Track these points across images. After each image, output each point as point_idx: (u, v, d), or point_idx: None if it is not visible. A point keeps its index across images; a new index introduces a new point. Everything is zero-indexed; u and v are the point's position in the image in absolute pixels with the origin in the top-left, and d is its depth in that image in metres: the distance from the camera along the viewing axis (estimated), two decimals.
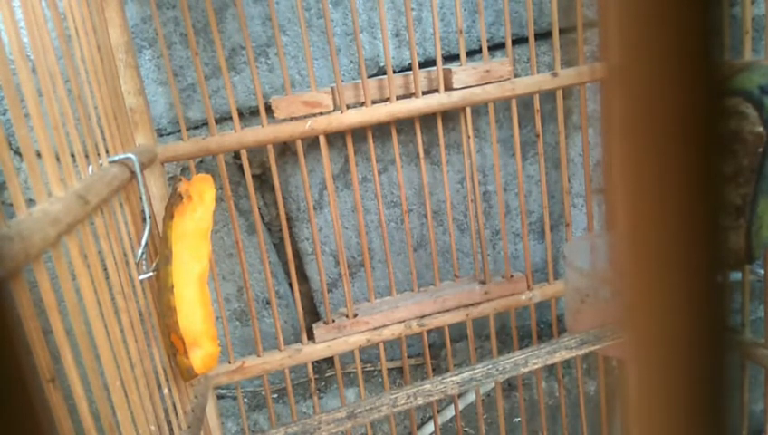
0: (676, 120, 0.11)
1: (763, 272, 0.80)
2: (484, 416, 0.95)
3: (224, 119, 0.83)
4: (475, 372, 0.67)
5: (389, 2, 0.83)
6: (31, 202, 0.38)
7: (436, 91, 0.79)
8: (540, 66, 0.88)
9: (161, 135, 0.82)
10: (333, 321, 0.84)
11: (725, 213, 0.11)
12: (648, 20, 0.11)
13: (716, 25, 0.11)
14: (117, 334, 0.49)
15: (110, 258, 0.51)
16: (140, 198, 0.61)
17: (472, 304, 0.87)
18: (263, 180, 0.88)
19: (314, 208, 0.87)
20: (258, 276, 0.90)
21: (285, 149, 0.85)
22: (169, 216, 0.60)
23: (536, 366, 0.71)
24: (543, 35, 0.87)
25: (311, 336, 0.84)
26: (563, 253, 0.82)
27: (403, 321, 0.85)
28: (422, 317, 0.86)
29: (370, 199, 0.89)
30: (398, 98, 0.78)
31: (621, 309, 0.13)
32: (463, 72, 0.79)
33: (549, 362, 0.72)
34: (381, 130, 0.86)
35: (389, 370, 0.95)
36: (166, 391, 0.60)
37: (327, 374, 0.97)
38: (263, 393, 0.93)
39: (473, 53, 0.86)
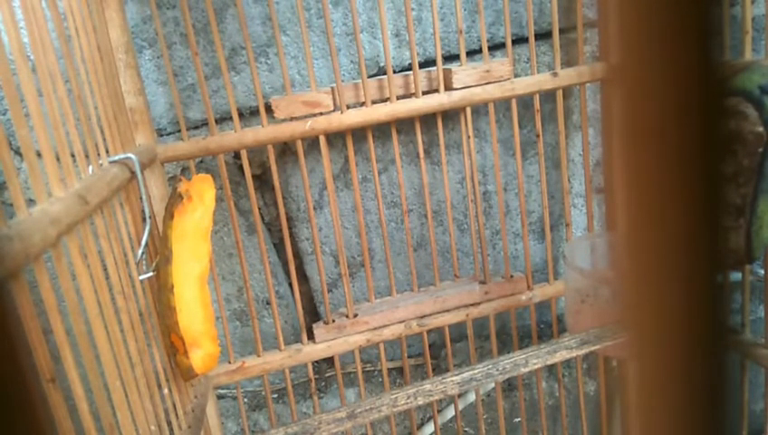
0: (676, 121, 0.11)
1: (763, 272, 0.80)
2: (485, 416, 0.95)
3: (224, 119, 0.83)
4: (475, 372, 0.67)
5: (389, 2, 0.83)
6: (31, 202, 0.38)
7: (436, 91, 0.79)
8: (540, 66, 0.88)
9: (161, 135, 0.82)
10: (333, 321, 0.84)
11: (725, 213, 0.11)
12: (648, 20, 0.11)
13: (716, 25, 0.11)
14: (117, 334, 0.49)
15: (110, 258, 0.51)
16: (140, 198, 0.61)
17: (472, 304, 0.87)
18: (263, 180, 0.88)
19: (314, 208, 0.87)
20: (258, 276, 0.90)
21: (285, 150, 0.85)
22: (169, 216, 0.60)
23: (536, 366, 0.71)
24: (543, 35, 0.87)
25: (311, 336, 0.84)
26: (563, 253, 0.82)
27: (403, 321, 0.85)
28: (422, 317, 0.86)
29: (370, 199, 0.89)
30: (398, 98, 0.78)
31: (621, 309, 0.13)
32: (463, 72, 0.79)
33: (549, 362, 0.72)
34: (381, 130, 0.86)
35: (389, 370, 0.95)
36: (166, 391, 0.60)
37: (327, 374, 0.97)
38: (263, 393, 0.93)
39: (473, 53, 0.86)
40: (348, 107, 0.78)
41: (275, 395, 0.96)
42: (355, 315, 0.84)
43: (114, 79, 0.65)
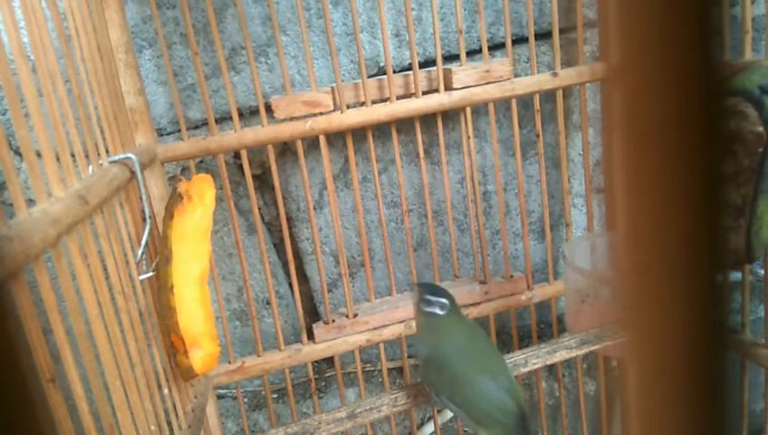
0: (676, 120, 0.11)
1: (763, 272, 0.80)
2: None
3: (224, 119, 0.83)
4: None
5: (389, 2, 0.83)
6: (31, 202, 0.38)
7: (436, 91, 0.79)
8: (540, 66, 0.88)
9: (161, 135, 0.82)
10: (333, 321, 0.84)
11: (725, 213, 0.11)
12: (648, 20, 0.11)
13: (716, 25, 0.11)
14: (117, 334, 0.49)
15: (110, 258, 0.51)
16: (140, 198, 0.61)
17: (472, 304, 0.87)
18: (263, 180, 0.88)
19: (314, 208, 0.87)
20: (258, 276, 0.90)
21: (285, 149, 0.85)
22: (169, 216, 0.60)
23: (536, 366, 0.71)
24: (543, 35, 0.87)
25: (311, 336, 0.84)
26: (563, 253, 0.82)
27: (403, 321, 0.85)
28: None
29: (370, 199, 0.89)
30: (398, 98, 0.78)
31: (621, 309, 0.13)
32: (463, 72, 0.79)
33: (549, 362, 0.72)
34: (381, 130, 0.86)
35: (389, 370, 0.95)
36: (166, 391, 0.60)
37: (327, 374, 0.97)
38: (263, 393, 0.93)
39: (473, 53, 0.86)
40: (348, 107, 0.78)
41: (275, 395, 0.96)
42: (355, 315, 0.84)
43: (114, 79, 0.65)
